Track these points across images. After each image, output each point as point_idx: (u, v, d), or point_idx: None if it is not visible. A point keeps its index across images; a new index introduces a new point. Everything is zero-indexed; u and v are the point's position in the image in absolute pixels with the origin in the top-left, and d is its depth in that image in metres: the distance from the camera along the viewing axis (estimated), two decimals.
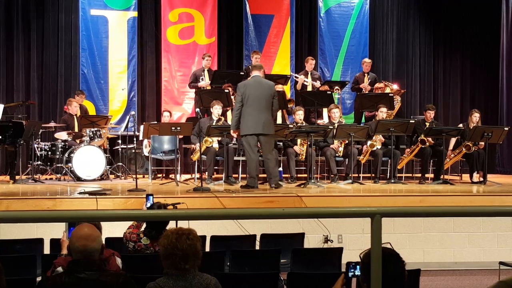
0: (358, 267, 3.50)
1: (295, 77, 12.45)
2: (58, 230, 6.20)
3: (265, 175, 11.06)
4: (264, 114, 9.17)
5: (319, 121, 11.65)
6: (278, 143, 10.80)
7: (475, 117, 11.10)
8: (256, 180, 9.30)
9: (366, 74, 12.61)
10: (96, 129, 10.88)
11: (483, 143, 10.52)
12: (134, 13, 13.28)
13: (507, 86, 13.57)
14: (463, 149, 10.63)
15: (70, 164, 10.40)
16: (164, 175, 11.76)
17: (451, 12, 14.49)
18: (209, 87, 11.68)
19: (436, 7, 14.55)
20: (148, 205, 6.15)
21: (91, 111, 12.61)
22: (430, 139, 10.61)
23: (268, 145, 9.29)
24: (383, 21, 14.49)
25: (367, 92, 12.32)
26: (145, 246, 5.51)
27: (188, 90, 13.00)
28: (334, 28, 14.02)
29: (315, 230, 8.02)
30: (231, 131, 9.49)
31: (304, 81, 12.25)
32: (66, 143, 10.89)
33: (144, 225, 5.65)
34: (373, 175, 10.91)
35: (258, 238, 6.86)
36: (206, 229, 6.92)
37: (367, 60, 12.79)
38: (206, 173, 10.38)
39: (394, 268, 3.23)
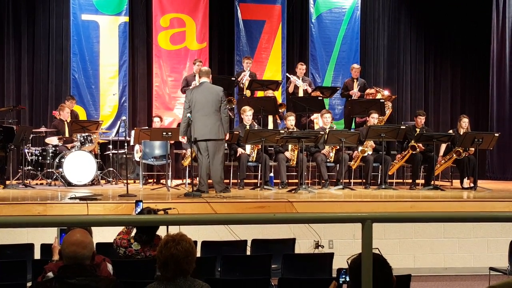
0: None
1: (289, 76, 12.34)
2: (48, 236, 6.19)
3: (255, 180, 11.12)
4: (211, 120, 9.24)
5: (313, 117, 11.67)
6: (269, 148, 10.81)
7: (464, 122, 11.17)
8: (206, 186, 9.35)
9: (355, 80, 12.62)
10: (87, 134, 10.83)
11: (473, 149, 10.57)
12: (126, 18, 13.26)
13: (497, 92, 13.64)
14: (454, 155, 10.66)
15: (60, 169, 10.37)
16: (155, 180, 11.73)
17: (442, 18, 14.56)
18: None
19: (427, 14, 14.62)
20: (138, 210, 6.15)
21: (82, 116, 12.59)
22: (420, 145, 10.64)
23: (215, 150, 9.31)
24: (374, 27, 14.55)
25: (356, 98, 12.33)
26: (136, 251, 5.50)
27: (179, 95, 13.00)
28: (325, 34, 14.06)
29: (306, 236, 8.02)
30: (180, 137, 9.60)
31: (296, 81, 12.22)
32: (57, 148, 10.85)
33: (135, 231, 5.64)
34: (364, 180, 10.94)
35: (249, 243, 6.86)
36: (197, 234, 6.90)
37: (355, 66, 12.79)
38: (197, 178, 10.36)
39: (381, 274, 3.23)
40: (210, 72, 9.75)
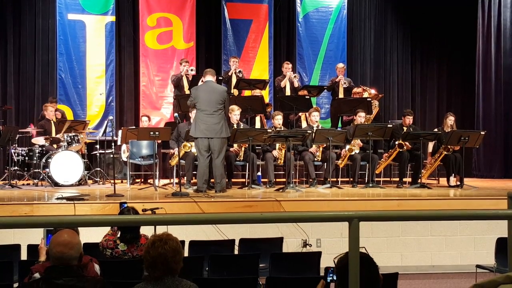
0: None
1: (286, 74, 12.31)
2: (35, 236, 6.16)
3: (243, 179, 11.12)
4: (215, 119, 9.24)
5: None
6: (257, 147, 10.81)
7: (450, 120, 11.20)
8: (205, 185, 9.33)
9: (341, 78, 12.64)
10: (73, 134, 10.80)
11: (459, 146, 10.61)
12: (112, 18, 13.21)
13: (483, 91, 13.71)
14: (443, 151, 10.68)
15: (47, 170, 10.31)
16: (142, 180, 11.71)
17: (428, 18, 14.61)
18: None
19: (413, 13, 14.66)
20: None
21: (69, 116, 12.53)
22: (407, 143, 10.67)
23: (218, 149, 9.29)
24: (361, 26, 14.58)
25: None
26: (123, 252, 5.48)
27: (166, 94, 12.99)
28: (312, 33, 14.07)
29: (293, 235, 8.04)
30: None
31: (293, 76, 12.23)
32: (44, 148, 10.79)
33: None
34: (351, 179, 10.96)
35: (237, 242, 6.86)
36: (184, 234, 6.90)
37: (340, 65, 12.82)
38: (185, 178, 10.36)
39: (367, 273, 3.24)
40: (214, 72, 9.73)
